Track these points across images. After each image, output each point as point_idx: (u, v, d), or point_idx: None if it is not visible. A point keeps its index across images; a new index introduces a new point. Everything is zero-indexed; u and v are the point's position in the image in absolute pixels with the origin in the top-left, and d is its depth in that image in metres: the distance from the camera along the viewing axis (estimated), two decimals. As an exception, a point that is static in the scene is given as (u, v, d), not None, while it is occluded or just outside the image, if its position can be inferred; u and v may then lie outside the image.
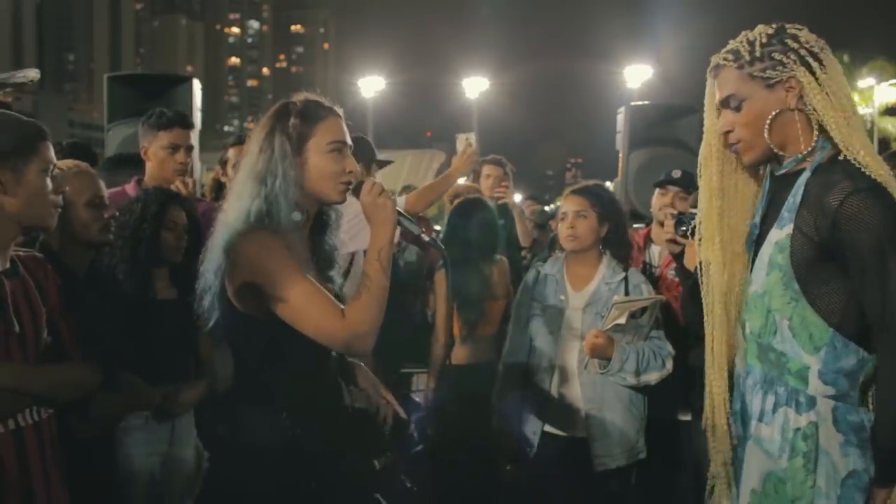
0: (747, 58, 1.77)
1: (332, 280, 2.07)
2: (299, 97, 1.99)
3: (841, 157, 1.73)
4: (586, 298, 3.06)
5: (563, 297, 3.09)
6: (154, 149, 3.31)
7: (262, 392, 1.92)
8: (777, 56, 1.75)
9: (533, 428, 3.06)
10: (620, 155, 5.47)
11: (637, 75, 25.96)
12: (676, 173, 3.59)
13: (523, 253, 5.04)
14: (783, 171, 1.84)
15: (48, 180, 1.89)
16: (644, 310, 2.87)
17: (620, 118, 5.51)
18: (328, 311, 1.80)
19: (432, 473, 3.57)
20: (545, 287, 3.15)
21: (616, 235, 3.10)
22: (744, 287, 1.94)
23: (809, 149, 1.78)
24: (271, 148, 1.89)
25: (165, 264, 2.81)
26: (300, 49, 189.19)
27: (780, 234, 1.79)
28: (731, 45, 1.82)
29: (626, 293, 2.98)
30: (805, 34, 1.76)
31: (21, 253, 1.99)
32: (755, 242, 1.91)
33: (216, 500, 2.06)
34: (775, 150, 1.80)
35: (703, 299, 2.00)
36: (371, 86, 29.93)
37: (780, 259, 1.78)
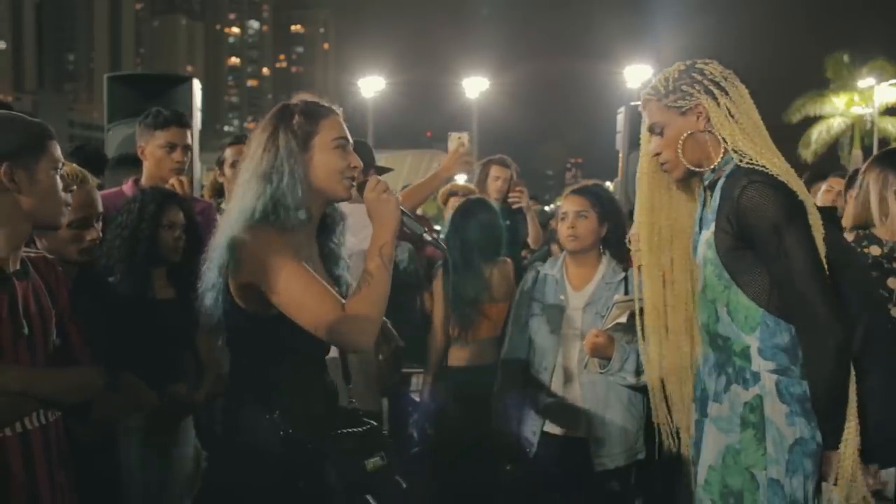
0: (663, 91, 2.09)
1: (340, 279, 2.08)
2: (297, 98, 2.00)
3: (743, 164, 2.00)
4: (586, 298, 3.06)
5: (563, 297, 3.09)
6: (151, 148, 3.31)
7: (259, 391, 1.93)
8: (685, 88, 2.05)
9: (532, 428, 3.07)
10: (620, 155, 5.47)
11: (637, 75, 25.95)
12: None
13: (523, 253, 5.04)
14: (707, 183, 2.11)
15: (58, 178, 1.89)
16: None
17: (620, 118, 5.51)
18: (328, 303, 1.80)
19: (432, 473, 3.57)
20: (545, 287, 3.15)
21: (616, 235, 3.10)
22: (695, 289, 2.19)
23: (721, 161, 2.05)
24: (276, 147, 1.90)
25: (163, 264, 2.81)
26: (300, 49, 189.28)
27: (707, 234, 2.06)
28: (654, 81, 2.14)
29: (626, 293, 2.98)
30: (711, 67, 2.06)
31: (32, 254, 1.99)
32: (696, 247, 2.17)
33: (214, 499, 2.06)
34: (691, 167, 2.08)
35: (636, 302, 2.37)
36: (371, 86, 29.95)
37: (710, 254, 2.04)
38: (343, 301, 1.83)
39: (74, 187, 2.05)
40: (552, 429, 3.06)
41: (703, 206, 2.16)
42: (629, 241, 2.58)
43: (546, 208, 9.53)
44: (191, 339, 2.83)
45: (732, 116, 2.01)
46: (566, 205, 3.12)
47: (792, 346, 1.96)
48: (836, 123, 29.87)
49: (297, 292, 1.80)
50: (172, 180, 3.25)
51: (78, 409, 2.03)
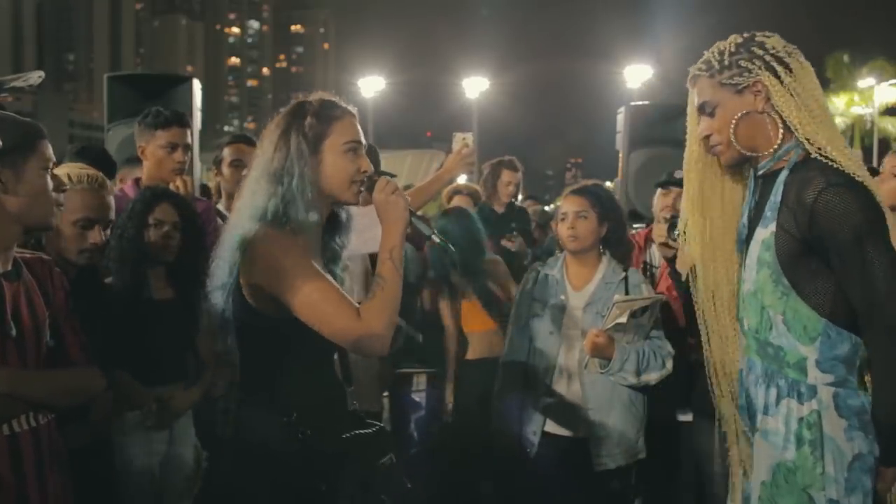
0: (717, 67, 1.90)
1: (336, 276, 2.07)
2: (314, 97, 1.99)
3: (813, 155, 1.83)
4: (587, 298, 3.06)
5: (563, 297, 3.09)
6: (152, 148, 3.30)
7: (272, 392, 1.92)
8: (743, 63, 1.86)
9: (533, 428, 3.06)
10: (620, 155, 5.47)
11: (637, 75, 25.95)
12: (678, 174, 3.59)
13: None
14: (762, 172, 1.93)
15: (48, 179, 1.86)
16: (645, 309, 2.87)
17: (620, 118, 5.51)
18: (345, 310, 1.80)
19: (434, 473, 3.58)
20: (545, 287, 3.15)
21: (616, 235, 3.11)
22: (739, 285, 2.00)
23: (779, 147, 1.88)
24: (287, 147, 1.89)
25: (158, 263, 2.80)
26: (300, 49, 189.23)
27: (764, 232, 1.87)
28: (705, 55, 1.94)
29: (627, 293, 2.98)
30: (773, 41, 1.87)
31: (27, 255, 1.98)
32: (745, 242, 1.98)
33: (220, 500, 2.06)
34: (745, 152, 1.91)
35: (693, 298, 2.13)
36: (371, 86, 29.93)
37: (767, 257, 1.86)
38: (357, 306, 1.82)
39: (67, 187, 2.03)
40: (553, 429, 3.05)
41: (753, 195, 1.99)
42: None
43: (546, 208, 9.51)
44: (190, 339, 2.82)
45: (798, 97, 1.83)
46: (566, 205, 3.12)
47: (851, 355, 1.81)
48: (836, 123, 29.82)
49: (315, 299, 1.79)
50: (177, 181, 3.24)
51: (74, 412, 2.01)
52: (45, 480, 1.85)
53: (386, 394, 3.96)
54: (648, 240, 3.87)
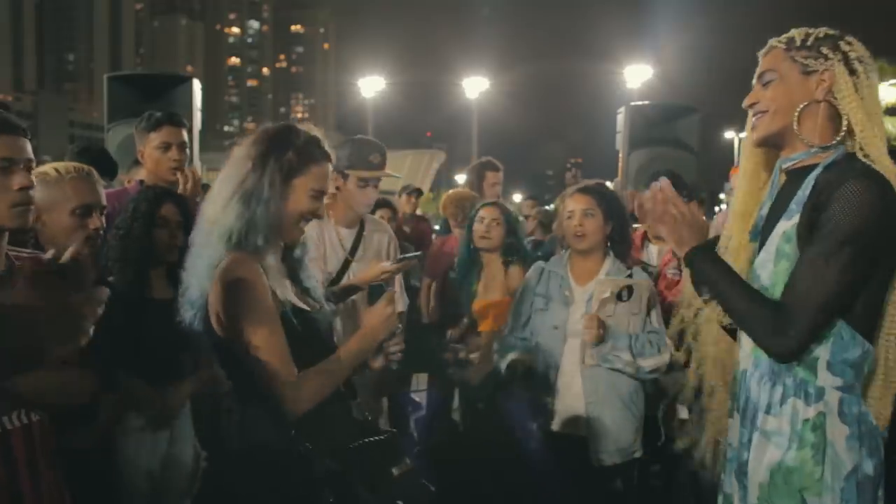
0: (797, 43, 1.84)
1: (310, 291, 2.12)
2: (305, 127, 2.04)
3: (857, 156, 1.77)
4: (590, 293, 3.06)
5: (567, 294, 3.10)
6: (148, 150, 3.38)
7: (269, 405, 1.92)
8: (824, 50, 1.81)
9: (534, 424, 3.07)
10: (620, 155, 5.48)
11: (637, 75, 25.93)
12: (663, 179, 3.60)
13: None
14: (793, 164, 1.87)
15: (13, 176, 1.77)
16: (631, 291, 2.89)
17: (620, 118, 5.53)
18: (284, 367, 1.87)
19: (435, 472, 3.58)
20: (549, 283, 3.16)
21: (620, 233, 3.13)
22: (749, 278, 1.93)
23: (825, 144, 1.82)
24: (263, 171, 1.93)
25: (161, 263, 2.81)
26: (300, 49, 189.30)
27: (787, 224, 1.81)
28: (792, 32, 1.88)
29: (630, 290, 2.99)
30: (860, 46, 1.83)
31: (24, 254, 1.97)
32: (760, 235, 1.93)
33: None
34: (785, 127, 1.84)
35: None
36: (371, 86, 29.93)
37: (787, 249, 1.80)
38: (295, 370, 1.88)
39: (37, 186, 1.96)
40: (553, 426, 3.06)
41: (776, 189, 1.94)
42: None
43: (547, 208, 9.50)
44: (190, 339, 2.82)
45: (864, 100, 1.79)
46: (572, 203, 3.12)
47: (861, 361, 1.77)
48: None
49: (260, 343, 1.86)
50: (178, 175, 3.30)
51: (80, 414, 2.00)
52: (39, 478, 1.85)
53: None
54: (645, 239, 3.87)
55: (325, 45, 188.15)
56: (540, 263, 3.29)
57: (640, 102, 6.13)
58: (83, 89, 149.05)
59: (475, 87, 29.80)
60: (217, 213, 1.94)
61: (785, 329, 1.72)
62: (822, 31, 1.85)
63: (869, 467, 1.75)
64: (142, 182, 3.40)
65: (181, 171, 3.31)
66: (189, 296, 1.96)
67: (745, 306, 1.79)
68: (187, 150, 3.43)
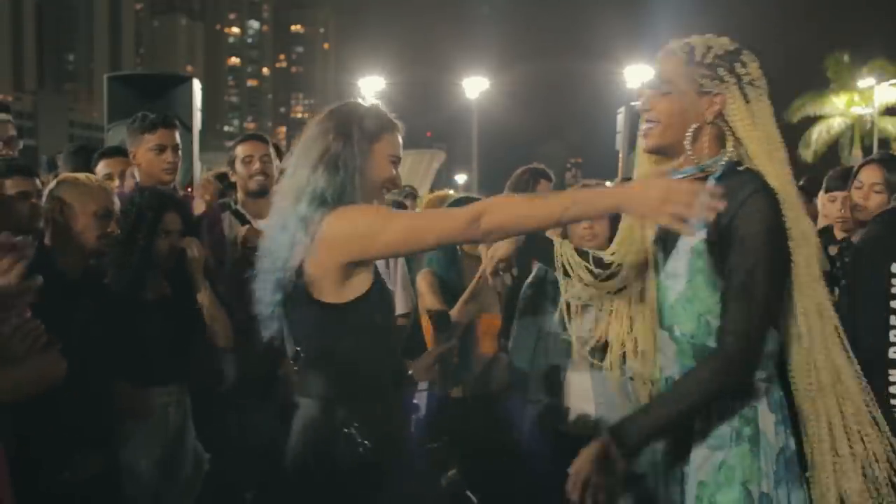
0: (698, 58, 1.86)
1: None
2: (370, 103, 2.09)
3: (742, 168, 1.85)
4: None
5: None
6: (142, 152, 3.40)
7: (330, 399, 1.92)
8: (721, 72, 1.84)
9: (541, 426, 3.06)
10: (620, 155, 5.49)
11: (637, 75, 25.94)
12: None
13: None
14: (683, 177, 1.88)
15: None
16: None
17: (620, 118, 5.54)
18: (446, 213, 1.95)
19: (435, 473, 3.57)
20: (555, 283, 3.14)
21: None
22: (659, 290, 2.00)
23: (712, 158, 1.88)
24: (347, 137, 1.96)
25: (158, 268, 2.81)
26: (300, 49, 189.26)
27: (692, 240, 1.87)
28: (694, 40, 1.90)
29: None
30: (755, 66, 1.87)
31: None
32: (660, 246, 2.00)
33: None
34: (675, 143, 1.88)
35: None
36: (371, 86, 29.89)
37: (700, 264, 1.86)
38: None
39: (69, 188, 1.99)
40: (562, 427, 3.05)
41: None
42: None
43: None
44: (186, 341, 2.83)
45: (756, 119, 1.85)
46: None
47: (776, 352, 1.89)
48: (837, 123, 29.90)
49: (410, 220, 1.97)
50: (202, 181, 3.37)
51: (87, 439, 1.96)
52: None
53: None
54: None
55: (325, 45, 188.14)
56: (542, 268, 3.28)
57: (640, 102, 6.13)
58: (83, 89, 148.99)
59: (475, 86, 29.79)
60: (302, 183, 1.94)
61: (738, 370, 1.81)
62: (721, 46, 1.87)
63: (792, 443, 1.87)
64: (138, 184, 3.41)
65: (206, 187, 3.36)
66: (270, 261, 1.94)
67: (696, 396, 1.83)
68: (180, 152, 3.48)
